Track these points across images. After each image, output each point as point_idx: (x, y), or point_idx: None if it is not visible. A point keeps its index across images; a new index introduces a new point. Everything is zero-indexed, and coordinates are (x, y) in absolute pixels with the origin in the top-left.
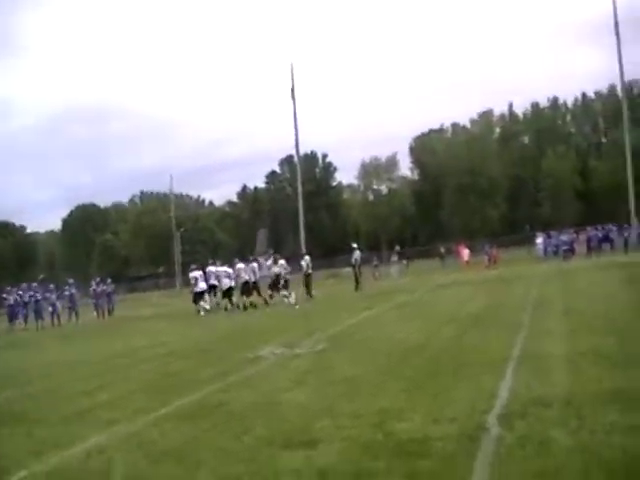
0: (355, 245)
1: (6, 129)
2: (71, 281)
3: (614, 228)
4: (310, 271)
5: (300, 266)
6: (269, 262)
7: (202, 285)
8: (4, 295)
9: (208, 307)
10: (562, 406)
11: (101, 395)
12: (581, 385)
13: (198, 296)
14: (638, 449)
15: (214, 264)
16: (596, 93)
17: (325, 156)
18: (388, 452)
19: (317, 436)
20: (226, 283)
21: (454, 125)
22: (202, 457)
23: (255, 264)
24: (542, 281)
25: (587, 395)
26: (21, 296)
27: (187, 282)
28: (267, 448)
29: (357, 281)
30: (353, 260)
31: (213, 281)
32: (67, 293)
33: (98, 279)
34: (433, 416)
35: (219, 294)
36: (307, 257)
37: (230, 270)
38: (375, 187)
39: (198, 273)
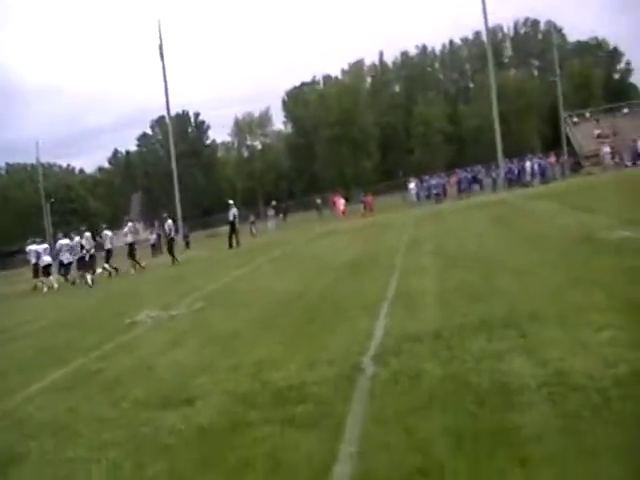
0: (231, 202)
1: None
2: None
3: (482, 169)
4: (173, 235)
5: (165, 231)
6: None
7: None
8: None
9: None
10: (433, 340)
11: None
12: (450, 319)
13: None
14: (504, 373)
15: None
16: (462, 40)
17: (197, 115)
18: (265, 401)
19: (195, 393)
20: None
21: (325, 77)
22: (79, 427)
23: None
24: (415, 225)
25: (456, 327)
26: None
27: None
28: (145, 411)
29: (232, 239)
30: (231, 217)
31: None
32: None
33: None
34: (309, 362)
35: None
36: (170, 221)
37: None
38: (249, 143)
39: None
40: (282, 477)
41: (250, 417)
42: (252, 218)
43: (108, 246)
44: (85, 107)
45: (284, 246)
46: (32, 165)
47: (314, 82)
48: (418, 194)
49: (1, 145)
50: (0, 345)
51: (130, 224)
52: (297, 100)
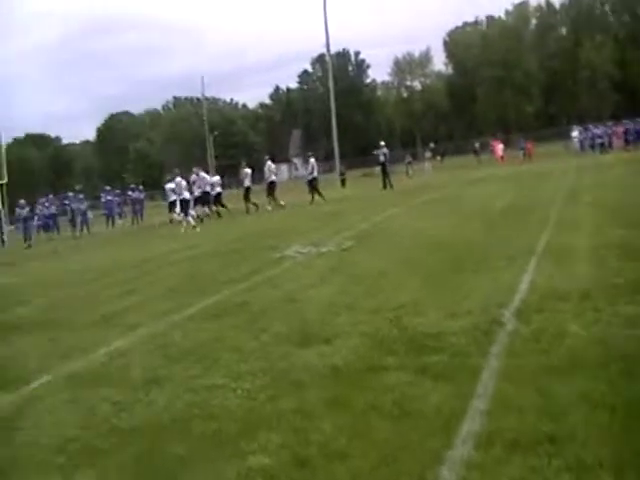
0: (382, 143)
1: (36, 42)
2: (107, 188)
3: None
4: (315, 174)
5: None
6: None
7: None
8: (39, 207)
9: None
10: (580, 299)
11: (128, 300)
12: (602, 278)
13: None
14: None
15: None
16: None
17: (357, 54)
18: (402, 347)
19: (333, 332)
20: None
21: (489, 17)
22: (219, 356)
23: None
24: (576, 175)
25: (607, 288)
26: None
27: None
28: (283, 345)
29: (385, 180)
30: (381, 157)
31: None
32: (103, 200)
33: (133, 186)
34: (449, 310)
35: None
36: (312, 160)
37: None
38: (409, 83)
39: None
40: (407, 427)
41: (384, 362)
42: (409, 159)
43: (269, 178)
44: (248, 43)
45: (438, 190)
46: (197, 99)
47: (477, 23)
48: (582, 143)
49: (169, 80)
50: (152, 272)
51: (269, 163)
52: (459, 41)
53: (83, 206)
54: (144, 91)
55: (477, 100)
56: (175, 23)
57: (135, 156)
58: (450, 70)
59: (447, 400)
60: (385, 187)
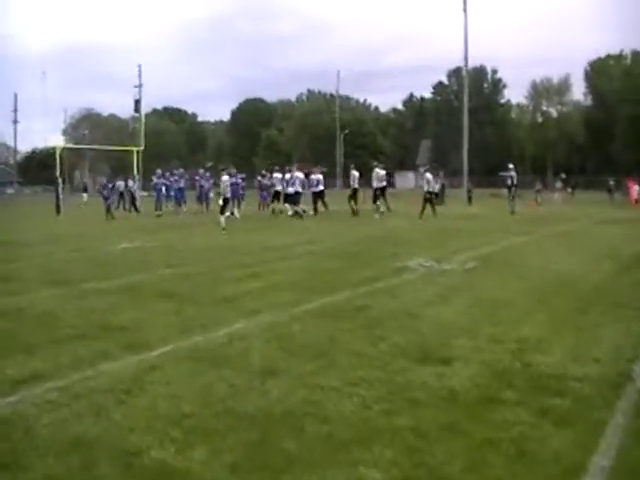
0: (511, 166)
1: (183, 21)
2: (233, 171)
3: None
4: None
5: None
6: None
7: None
8: (171, 179)
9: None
10: None
11: (249, 284)
12: None
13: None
14: None
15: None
16: None
17: (495, 71)
18: (523, 383)
19: (453, 354)
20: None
21: (634, 52)
22: (335, 357)
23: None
24: None
25: None
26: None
27: (347, 184)
28: (401, 359)
29: (510, 204)
30: (509, 181)
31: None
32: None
33: (264, 172)
34: (575, 354)
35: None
36: (428, 174)
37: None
38: (545, 109)
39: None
40: (524, 469)
41: (504, 395)
42: (539, 186)
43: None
44: (388, 46)
45: (569, 223)
46: (331, 95)
47: (621, 56)
48: None
49: (305, 72)
50: (273, 261)
51: (377, 170)
52: (601, 72)
53: (208, 184)
54: (280, 80)
55: (615, 136)
56: (316, 16)
57: (266, 143)
58: (589, 101)
59: (567, 449)
60: (513, 212)
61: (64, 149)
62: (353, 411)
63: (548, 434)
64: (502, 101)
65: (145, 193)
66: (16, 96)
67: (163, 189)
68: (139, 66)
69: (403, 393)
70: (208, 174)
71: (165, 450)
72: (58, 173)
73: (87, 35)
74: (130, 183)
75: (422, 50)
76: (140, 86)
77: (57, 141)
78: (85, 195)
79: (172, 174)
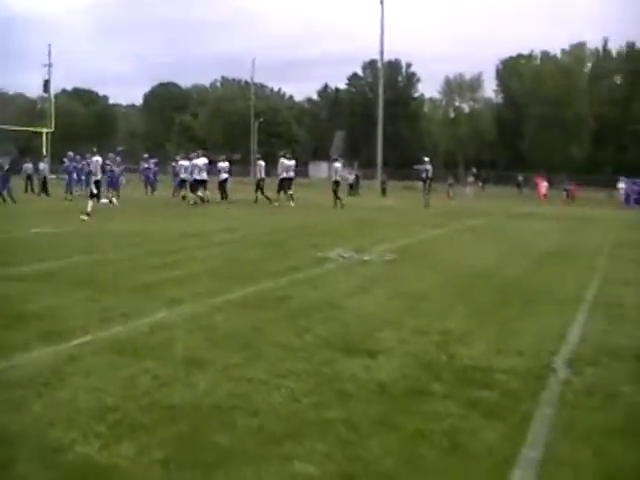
0: (427, 159)
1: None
2: (146, 156)
3: None
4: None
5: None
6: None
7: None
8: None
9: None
10: (635, 359)
11: (169, 272)
12: None
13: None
14: None
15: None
16: None
17: (409, 65)
18: (450, 376)
19: (378, 346)
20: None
21: (544, 53)
22: (261, 348)
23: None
24: (621, 227)
25: None
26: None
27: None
28: (327, 350)
29: (425, 197)
30: (423, 174)
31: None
32: (143, 167)
33: (178, 157)
34: (498, 346)
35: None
36: (337, 164)
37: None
38: (457, 104)
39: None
40: (457, 461)
41: (432, 388)
42: (451, 180)
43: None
44: (302, 37)
45: (480, 217)
46: (246, 82)
47: (531, 56)
48: (627, 196)
49: (219, 58)
50: (192, 248)
51: (282, 160)
52: (511, 71)
53: (118, 169)
54: (193, 65)
55: (524, 134)
56: (236, 3)
57: (179, 128)
58: (500, 99)
59: (498, 441)
60: (426, 206)
61: None
62: (282, 404)
63: (479, 426)
64: (415, 95)
65: (54, 176)
66: None
67: (74, 173)
68: (49, 45)
69: (331, 385)
70: (119, 159)
71: (90, 445)
72: None
73: None
74: (41, 166)
75: (338, 42)
76: (50, 66)
77: None
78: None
79: (83, 157)
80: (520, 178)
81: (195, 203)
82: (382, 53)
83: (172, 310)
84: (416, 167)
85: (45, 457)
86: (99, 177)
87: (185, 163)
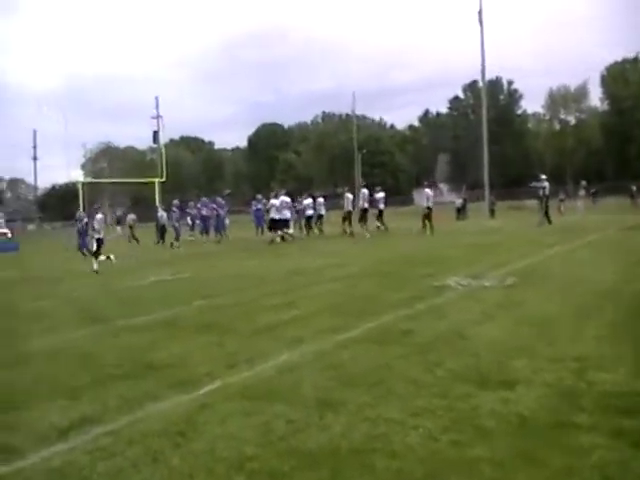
0: (544, 176)
1: (193, 52)
2: (259, 197)
3: None
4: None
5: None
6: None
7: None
8: (187, 210)
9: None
10: None
11: (287, 312)
12: None
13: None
14: None
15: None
16: None
17: (510, 83)
18: (591, 404)
19: (514, 377)
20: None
21: None
22: (392, 386)
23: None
24: None
25: None
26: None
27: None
28: (461, 384)
29: (546, 214)
30: (540, 192)
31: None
32: (254, 208)
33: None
34: (639, 369)
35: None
36: (428, 190)
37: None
38: (562, 117)
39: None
40: None
41: (575, 419)
42: (562, 195)
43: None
44: (398, 64)
45: (596, 232)
46: (347, 115)
47: (637, 60)
48: None
49: (320, 94)
50: (307, 286)
51: (364, 191)
52: (617, 77)
53: (223, 212)
54: (294, 104)
55: (633, 141)
56: (324, 38)
57: (283, 167)
58: (605, 106)
59: None
60: (549, 222)
61: (85, 183)
62: (420, 444)
63: (628, 457)
64: (519, 112)
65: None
66: (35, 132)
67: (188, 219)
68: (156, 98)
69: (470, 421)
70: (223, 202)
71: None
72: (81, 208)
73: (102, 68)
74: (160, 214)
75: (436, 66)
76: (158, 117)
77: (77, 176)
78: (119, 228)
79: (205, 204)
80: (633, 187)
81: (272, 242)
82: (484, 73)
83: (295, 350)
84: (532, 185)
85: None
86: (102, 235)
87: (275, 202)
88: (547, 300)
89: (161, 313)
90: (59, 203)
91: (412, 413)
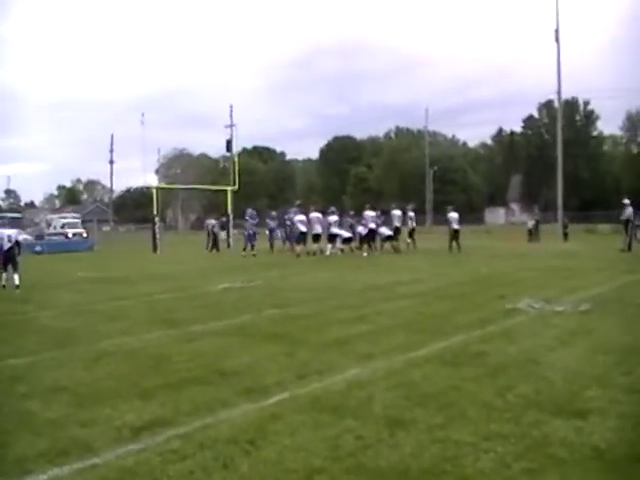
0: (627, 201)
1: (270, 62)
2: (332, 209)
3: None
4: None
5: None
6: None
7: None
8: (267, 220)
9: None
10: None
11: (358, 326)
12: None
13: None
14: None
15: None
16: None
17: (587, 103)
18: None
19: (587, 406)
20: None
21: None
22: (464, 408)
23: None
24: None
25: None
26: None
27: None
28: (533, 411)
29: (629, 241)
30: (625, 217)
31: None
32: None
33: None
34: None
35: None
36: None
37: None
38: None
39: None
40: None
41: None
42: (639, 221)
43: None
44: (472, 81)
45: None
46: (419, 131)
47: None
48: None
49: (393, 108)
50: (379, 302)
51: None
52: None
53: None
54: (367, 117)
55: None
56: (401, 51)
57: (354, 180)
58: None
59: None
60: (630, 249)
61: (158, 188)
62: (493, 469)
63: None
64: (594, 133)
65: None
66: (112, 137)
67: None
68: (230, 107)
69: (543, 449)
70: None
71: None
72: (155, 212)
73: (181, 79)
74: (212, 223)
75: (510, 83)
76: (232, 126)
77: (151, 180)
78: (223, 234)
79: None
80: None
81: (298, 256)
82: (559, 92)
83: (366, 366)
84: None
85: None
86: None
87: (302, 217)
88: (622, 329)
89: (233, 320)
90: (133, 206)
91: (483, 437)
